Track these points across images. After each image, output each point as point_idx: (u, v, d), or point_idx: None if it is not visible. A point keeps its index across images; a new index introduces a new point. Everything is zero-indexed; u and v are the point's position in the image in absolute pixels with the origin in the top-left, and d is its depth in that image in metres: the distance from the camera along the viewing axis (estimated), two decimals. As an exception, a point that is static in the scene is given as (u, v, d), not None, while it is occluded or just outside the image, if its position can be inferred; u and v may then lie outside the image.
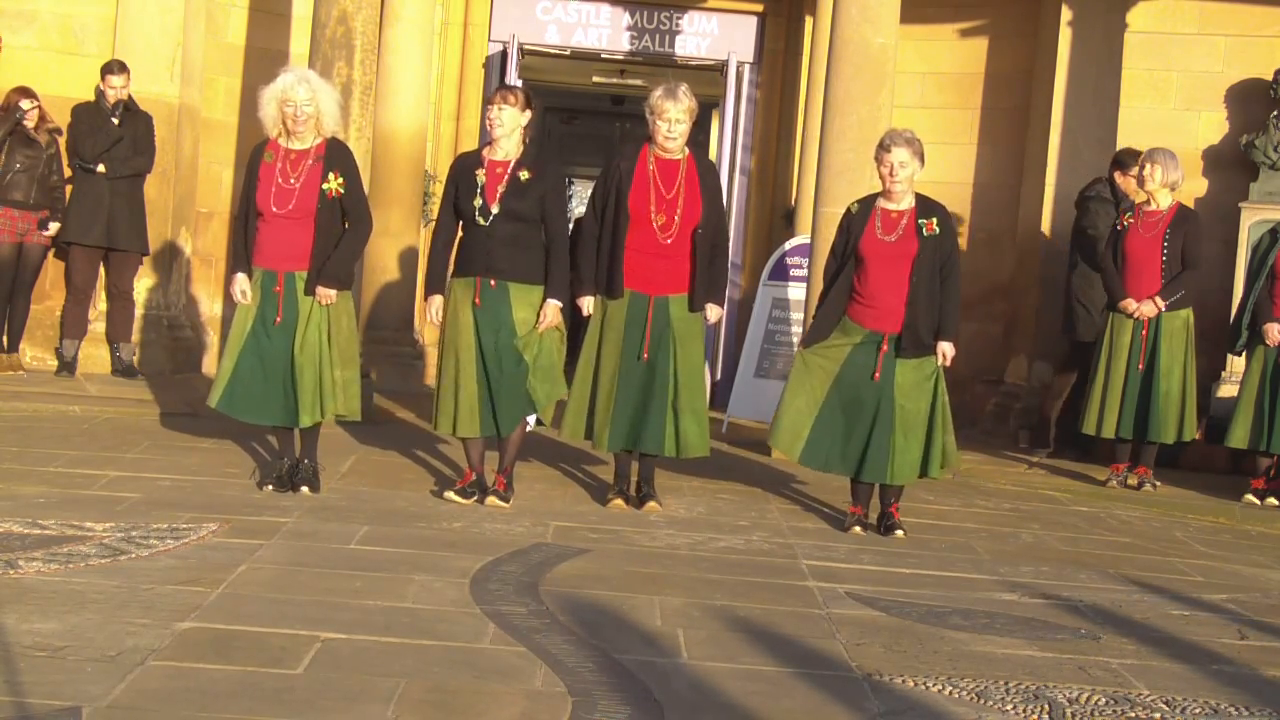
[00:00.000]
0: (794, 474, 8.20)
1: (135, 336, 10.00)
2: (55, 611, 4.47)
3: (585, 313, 6.99)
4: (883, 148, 6.96)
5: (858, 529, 6.80)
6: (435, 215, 7.82)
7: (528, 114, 6.78)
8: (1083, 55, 10.84)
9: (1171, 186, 8.82)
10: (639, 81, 14.56)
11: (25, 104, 9.53)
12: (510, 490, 6.81)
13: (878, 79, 8.87)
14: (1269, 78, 10.33)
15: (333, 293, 6.68)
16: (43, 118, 9.67)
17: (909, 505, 7.63)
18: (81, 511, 5.93)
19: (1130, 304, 8.72)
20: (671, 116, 6.88)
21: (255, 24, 10.92)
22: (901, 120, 10.25)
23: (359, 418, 7.07)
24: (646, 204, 6.87)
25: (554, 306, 6.78)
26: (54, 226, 9.67)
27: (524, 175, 6.73)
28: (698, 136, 17.85)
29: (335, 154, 6.76)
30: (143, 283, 10.14)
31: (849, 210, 7.05)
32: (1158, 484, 8.86)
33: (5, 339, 9.71)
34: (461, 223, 6.81)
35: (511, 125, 6.74)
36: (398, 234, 10.70)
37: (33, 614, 4.42)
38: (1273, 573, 6.71)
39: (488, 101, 6.95)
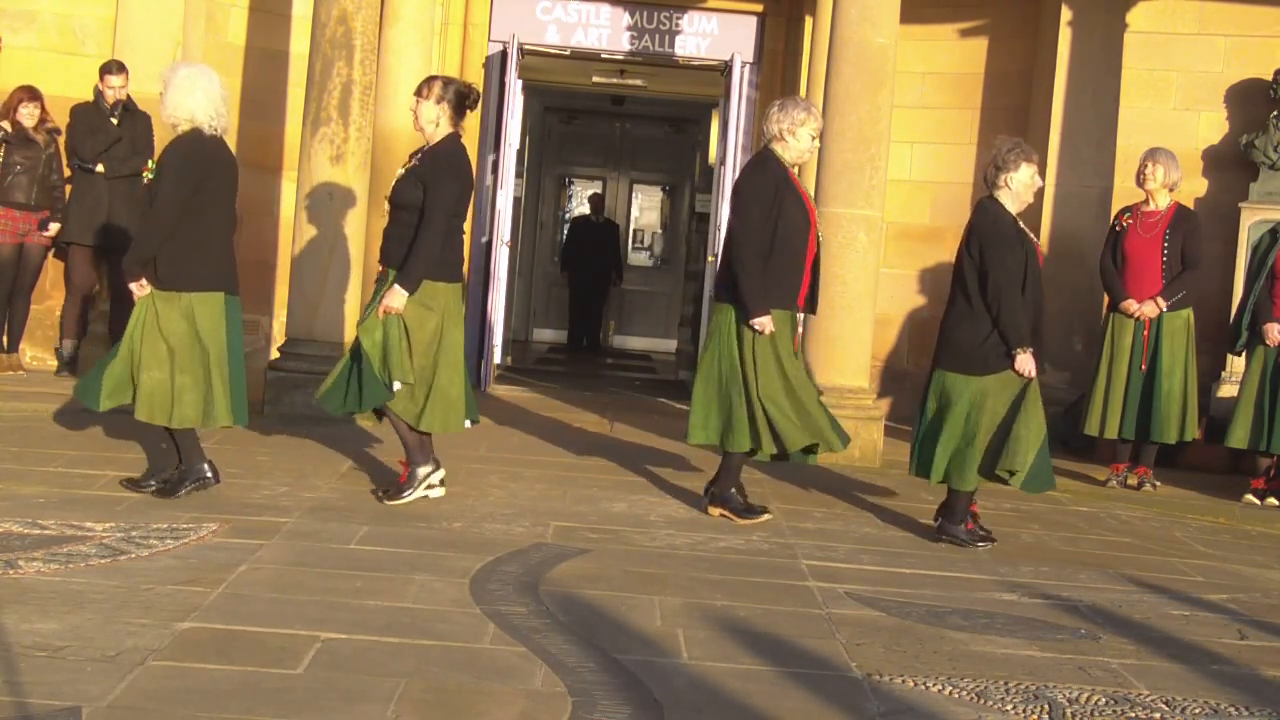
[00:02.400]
0: (794, 474, 8.21)
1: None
2: (55, 611, 4.47)
3: (765, 331, 6.65)
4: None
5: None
6: None
7: (443, 105, 6.61)
8: (1083, 55, 10.84)
9: (1171, 187, 8.83)
10: (639, 81, 14.58)
11: (24, 108, 9.52)
12: (405, 485, 6.69)
13: (878, 79, 8.87)
14: (1269, 78, 10.33)
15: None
16: (42, 118, 9.67)
17: (910, 505, 7.64)
18: (81, 511, 5.93)
19: (1131, 305, 8.72)
20: (818, 129, 6.86)
21: (255, 24, 10.91)
22: (901, 120, 10.28)
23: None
24: (812, 215, 6.87)
25: (396, 293, 6.46)
26: (54, 227, 9.67)
27: (417, 165, 6.61)
28: (697, 137, 17.98)
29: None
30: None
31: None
32: (1158, 484, 8.86)
33: (5, 339, 9.71)
34: None
35: (428, 118, 6.63)
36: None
37: (33, 614, 4.42)
38: (1273, 573, 6.71)
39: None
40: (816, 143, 6.96)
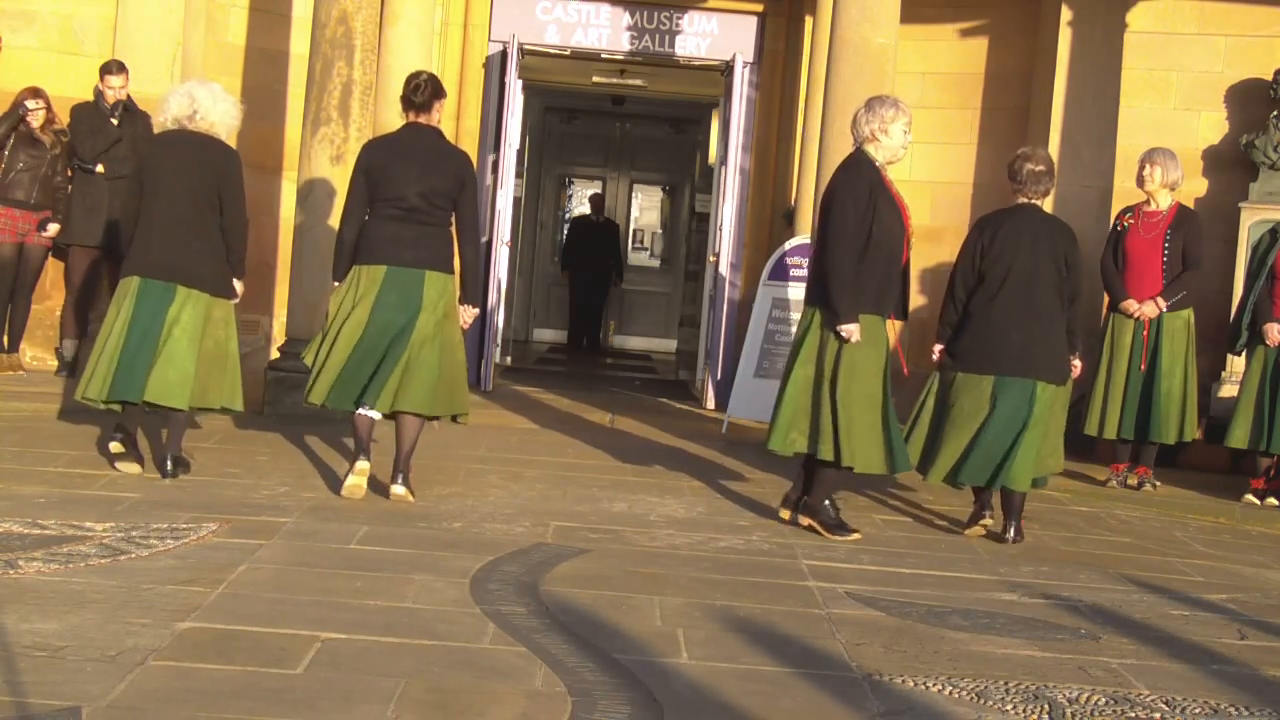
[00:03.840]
0: (793, 475, 8.20)
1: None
2: (55, 611, 4.47)
3: (853, 339, 6.53)
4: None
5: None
6: None
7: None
8: (1083, 55, 10.84)
9: (1171, 187, 8.83)
10: (639, 81, 14.57)
11: (30, 103, 9.53)
12: None
13: (878, 79, 8.87)
14: (1269, 78, 10.32)
15: None
16: (50, 119, 9.66)
17: (910, 505, 7.65)
18: (81, 511, 5.93)
19: (1131, 305, 8.72)
20: (909, 122, 6.77)
21: (255, 24, 10.91)
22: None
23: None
24: (906, 219, 6.78)
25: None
26: (53, 228, 9.66)
27: None
28: (697, 137, 17.98)
29: None
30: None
31: None
32: (1158, 484, 8.86)
33: (5, 339, 9.71)
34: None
35: None
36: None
37: (33, 614, 4.42)
38: (1273, 573, 6.71)
39: None
40: (909, 137, 6.78)
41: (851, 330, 6.48)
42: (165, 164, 6.87)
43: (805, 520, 6.73)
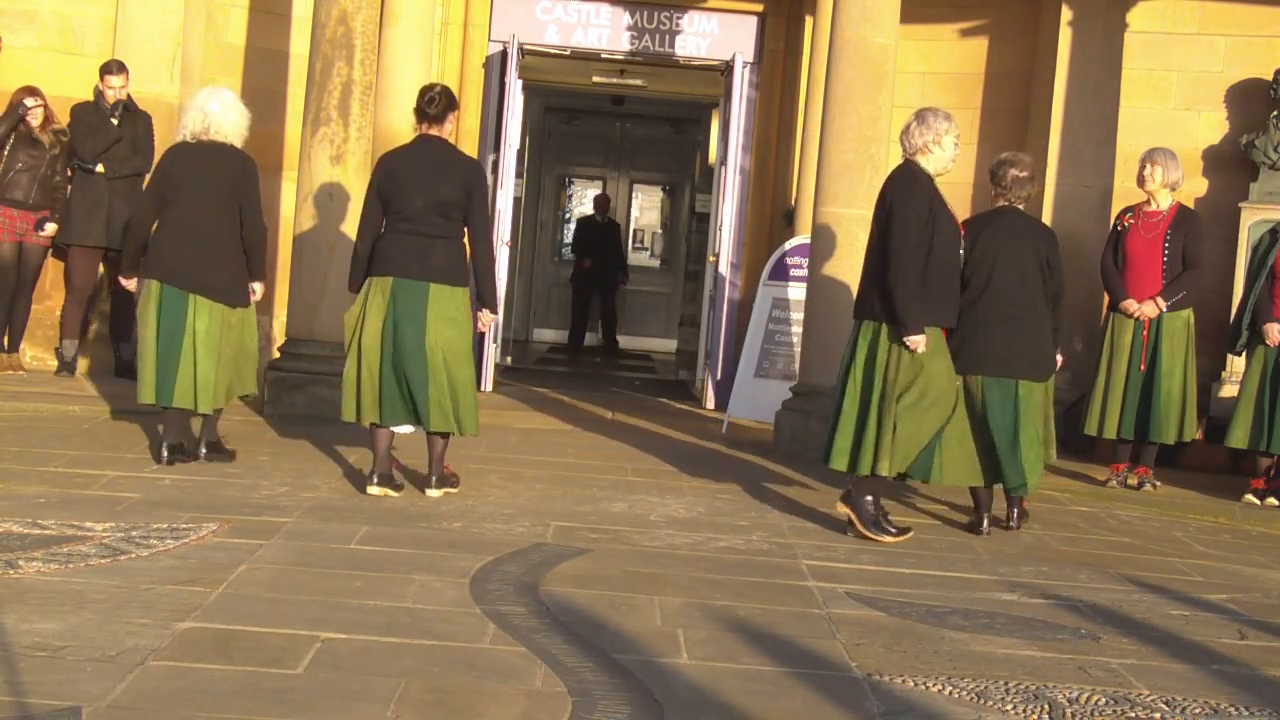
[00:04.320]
0: (793, 474, 8.21)
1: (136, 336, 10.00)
2: (55, 611, 4.47)
3: (920, 349, 6.54)
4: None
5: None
6: None
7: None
8: (1083, 55, 10.84)
9: (1172, 187, 8.83)
10: (639, 81, 14.57)
11: (29, 101, 9.53)
12: None
13: (878, 79, 8.87)
14: (1269, 78, 10.32)
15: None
16: (48, 118, 9.67)
17: (910, 505, 7.64)
18: (81, 511, 5.93)
19: (1131, 305, 8.72)
20: (958, 134, 6.85)
21: (255, 24, 10.91)
22: (901, 120, 10.24)
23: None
24: (961, 229, 6.87)
25: None
26: (50, 227, 9.66)
27: None
28: (697, 137, 17.96)
29: None
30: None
31: None
32: (1158, 484, 8.86)
33: (6, 339, 9.71)
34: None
35: None
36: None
37: (33, 614, 4.42)
38: (1273, 573, 6.71)
39: None
40: (959, 149, 6.89)
41: (918, 342, 6.51)
42: (184, 173, 7.19)
43: (843, 509, 6.67)
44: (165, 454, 7.15)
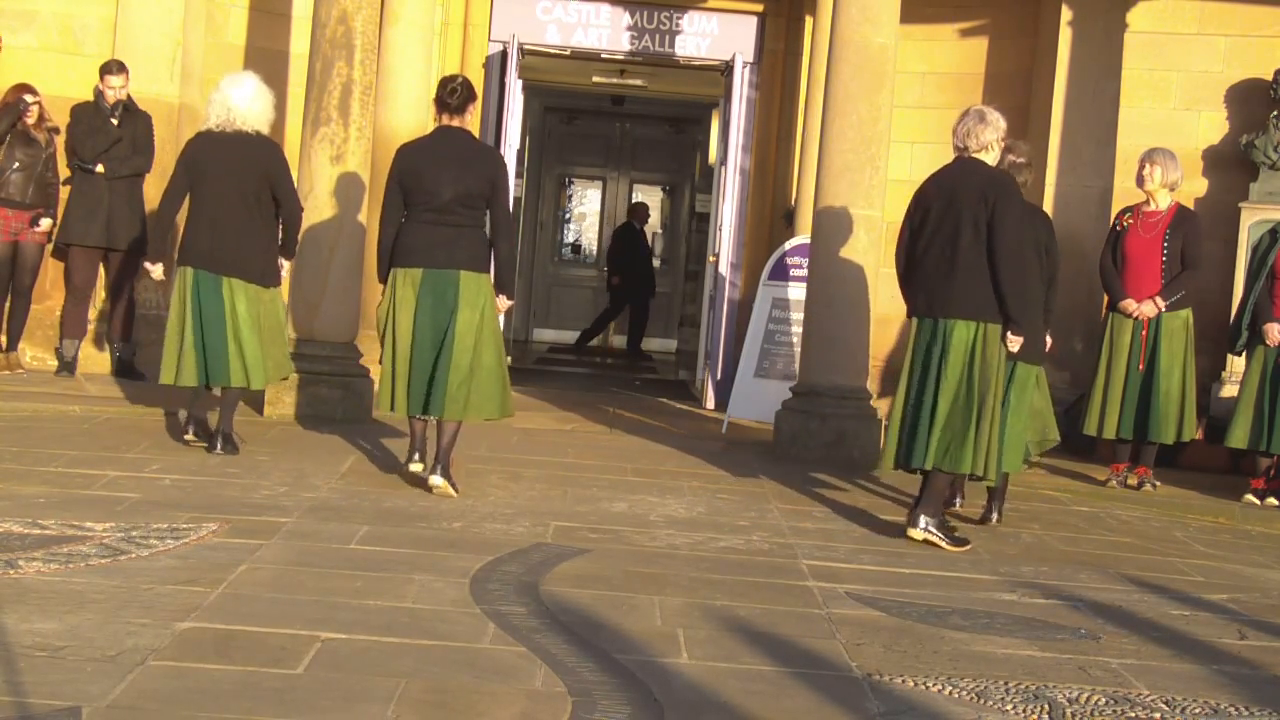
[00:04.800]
0: (793, 474, 8.21)
1: (135, 336, 10.00)
2: (55, 611, 4.47)
3: (1015, 349, 6.68)
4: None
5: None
6: None
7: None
8: (1083, 55, 10.84)
9: (1171, 187, 8.82)
10: (639, 81, 14.58)
11: (29, 97, 9.54)
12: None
13: (878, 79, 8.87)
14: (1269, 78, 10.33)
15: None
16: (42, 116, 9.67)
17: (906, 506, 7.64)
18: (81, 511, 5.93)
19: (1130, 304, 8.72)
20: None
21: (255, 24, 10.91)
22: (901, 120, 10.28)
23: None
24: None
25: None
26: (45, 223, 9.66)
27: None
28: (697, 137, 17.95)
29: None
30: (142, 283, 10.14)
31: None
32: (1158, 484, 8.86)
33: (4, 339, 9.70)
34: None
35: None
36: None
37: (33, 614, 4.42)
38: (1273, 573, 6.72)
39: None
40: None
41: (1019, 341, 6.64)
42: (211, 162, 7.43)
43: (922, 535, 6.59)
44: (191, 428, 7.54)
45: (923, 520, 6.58)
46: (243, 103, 7.44)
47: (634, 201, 18.10)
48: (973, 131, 6.72)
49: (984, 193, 6.59)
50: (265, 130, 7.59)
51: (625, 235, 17.19)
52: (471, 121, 7.15)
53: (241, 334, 7.42)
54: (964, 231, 6.57)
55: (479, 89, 11.92)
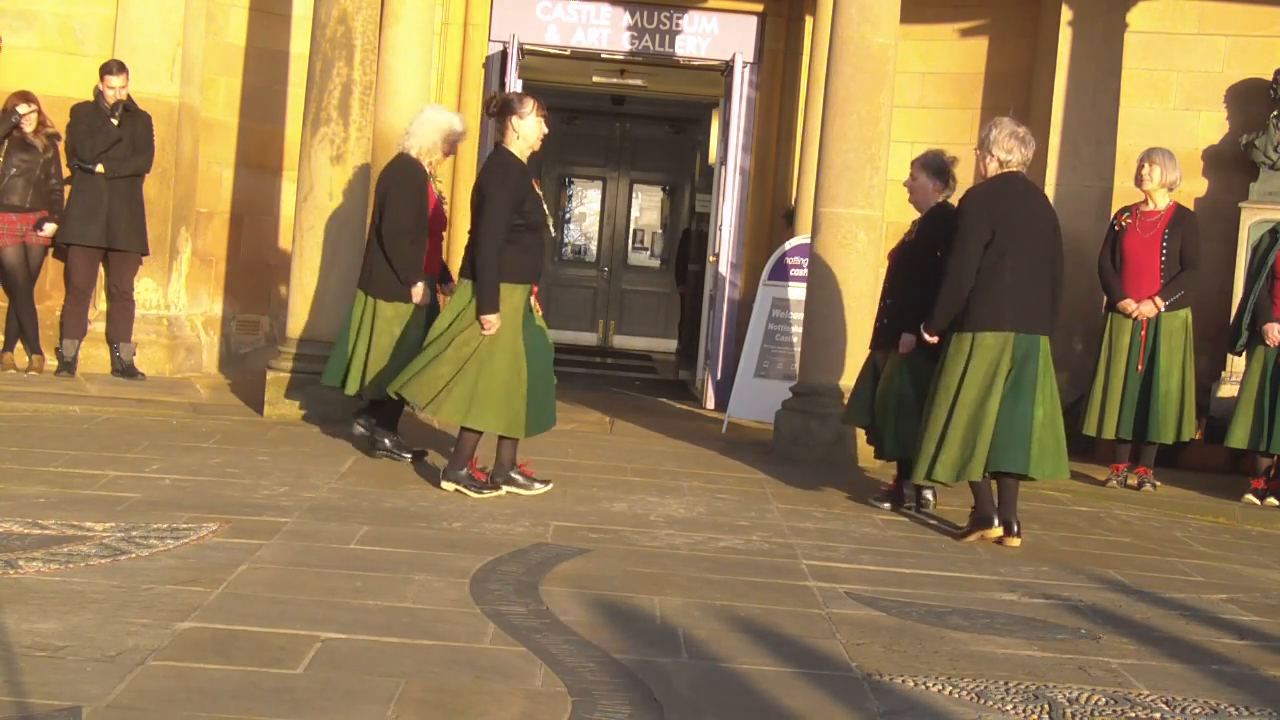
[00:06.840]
0: (794, 474, 8.21)
1: (135, 336, 10.00)
2: (55, 611, 4.47)
3: None
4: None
5: None
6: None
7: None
8: (1083, 55, 10.85)
9: (1170, 186, 8.82)
10: (639, 81, 14.57)
11: (22, 108, 9.54)
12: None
13: (878, 79, 8.87)
14: (1269, 78, 10.33)
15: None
16: (41, 122, 9.67)
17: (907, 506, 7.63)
18: (81, 511, 5.93)
19: (1129, 304, 8.72)
20: None
21: (255, 24, 10.92)
22: (901, 120, 10.28)
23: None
24: None
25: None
26: (50, 227, 9.67)
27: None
28: (697, 137, 17.94)
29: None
30: (143, 283, 10.14)
31: None
32: (1158, 484, 8.86)
33: (21, 340, 9.73)
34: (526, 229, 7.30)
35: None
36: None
37: (33, 614, 4.42)
38: (1273, 573, 6.72)
39: (534, 113, 7.43)
40: None
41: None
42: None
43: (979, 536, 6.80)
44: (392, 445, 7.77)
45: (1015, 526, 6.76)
46: (413, 129, 7.91)
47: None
48: (1006, 148, 6.89)
49: (1046, 205, 7.13)
50: (426, 156, 7.89)
51: (691, 242, 17.12)
52: (503, 131, 7.34)
53: (378, 347, 7.79)
54: (1047, 249, 6.90)
55: (479, 89, 11.99)
